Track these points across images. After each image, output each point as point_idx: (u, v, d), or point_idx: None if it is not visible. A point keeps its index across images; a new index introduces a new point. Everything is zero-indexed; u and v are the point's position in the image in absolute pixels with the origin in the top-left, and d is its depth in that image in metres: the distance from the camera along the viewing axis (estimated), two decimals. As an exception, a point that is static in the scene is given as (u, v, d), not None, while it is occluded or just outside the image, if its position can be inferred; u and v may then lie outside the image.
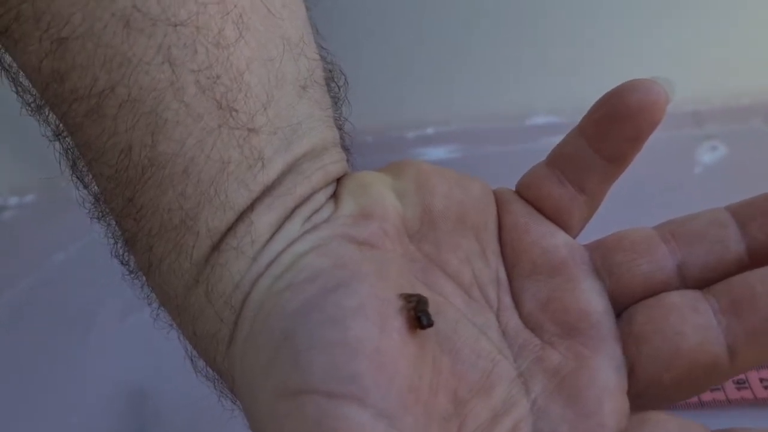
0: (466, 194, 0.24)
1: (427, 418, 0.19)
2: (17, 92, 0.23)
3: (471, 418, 0.20)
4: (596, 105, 0.23)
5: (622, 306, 0.23)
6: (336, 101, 0.25)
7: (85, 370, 0.41)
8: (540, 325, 0.23)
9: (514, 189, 0.25)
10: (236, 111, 0.21)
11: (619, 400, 0.21)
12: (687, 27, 0.49)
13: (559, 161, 0.24)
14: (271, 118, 0.22)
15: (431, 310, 0.20)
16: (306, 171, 0.23)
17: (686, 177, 0.47)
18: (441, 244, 0.23)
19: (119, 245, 0.24)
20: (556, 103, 0.50)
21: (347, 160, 0.25)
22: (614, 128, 0.22)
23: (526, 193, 0.24)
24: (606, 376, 0.21)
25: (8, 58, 0.22)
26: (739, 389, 0.35)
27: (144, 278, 0.24)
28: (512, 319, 0.23)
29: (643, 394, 0.22)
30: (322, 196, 0.23)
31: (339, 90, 0.25)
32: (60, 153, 0.24)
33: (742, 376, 0.35)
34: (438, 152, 0.50)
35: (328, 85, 0.24)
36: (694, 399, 0.35)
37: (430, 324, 0.20)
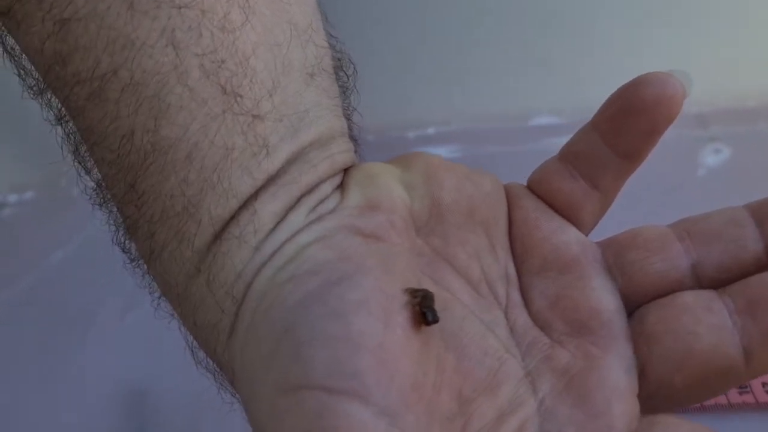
0: (477, 188, 0.24)
1: (429, 416, 0.19)
2: (19, 75, 0.23)
3: (476, 417, 0.20)
4: (610, 99, 0.22)
5: (634, 305, 0.22)
6: (344, 90, 0.24)
7: (85, 368, 0.41)
8: (549, 323, 0.22)
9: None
10: (241, 96, 0.21)
11: (629, 401, 0.21)
12: (691, 28, 0.49)
13: (572, 157, 0.23)
14: (276, 105, 0.21)
15: (437, 305, 0.20)
16: (312, 160, 0.22)
17: (689, 179, 0.47)
18: (449, 238, 0.23)
19: (120, 232, 0.24)
20: (557, 103, 0.50)
21: (355, 151, 0.24)
22: (629, 123, 0.22)
23: (537, 188, 0.24)
24: (616, 376, 0.21)
25: (11, 41, 0.22)
26: (740, 393, 0.35)
27: (145, 266, 0.23)
28: (521, 317, 0.23)
29: (654, 396, 0.21)
30: (328, 186, 0.22)
31: (348, 79, 0.25)
32: (62, 138, 0.23)
33: (743, 380, 0.35)
34: (439, 152, 0.50)
35: (336, 73, 0.24)
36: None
37: (435, 320, 0.20)
